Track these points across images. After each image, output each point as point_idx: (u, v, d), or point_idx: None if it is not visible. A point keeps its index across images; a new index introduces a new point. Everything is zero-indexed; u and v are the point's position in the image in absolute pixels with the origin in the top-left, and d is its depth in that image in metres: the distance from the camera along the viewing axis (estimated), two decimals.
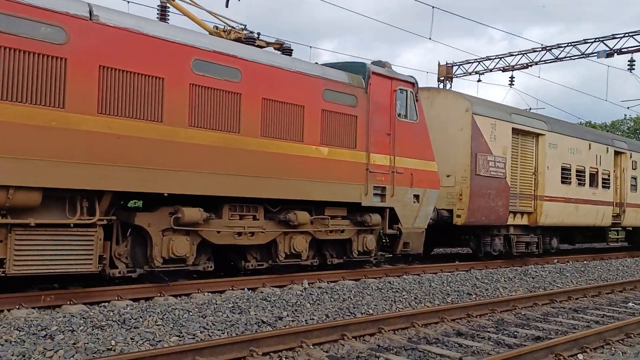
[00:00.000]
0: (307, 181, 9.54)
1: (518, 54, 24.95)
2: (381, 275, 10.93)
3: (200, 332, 6.03)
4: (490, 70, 26.06)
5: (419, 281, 10.29)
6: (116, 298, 7.54)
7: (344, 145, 10.11)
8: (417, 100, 11.46)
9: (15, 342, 5.39)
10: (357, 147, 10.29)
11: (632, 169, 19.39)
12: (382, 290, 9.19)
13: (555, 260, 15.58)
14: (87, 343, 5.33)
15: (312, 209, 9.99)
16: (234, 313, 7.06)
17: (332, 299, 8.31)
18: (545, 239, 15.87)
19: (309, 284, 9.56)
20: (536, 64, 24.71)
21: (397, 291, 9.23)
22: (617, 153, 18.69)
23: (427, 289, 9.63)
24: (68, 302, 7.12)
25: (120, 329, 6.07)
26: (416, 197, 11.41)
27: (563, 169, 15.97)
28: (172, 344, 5.57)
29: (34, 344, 5.31)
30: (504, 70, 25.86)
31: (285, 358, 5.51)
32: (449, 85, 27.55)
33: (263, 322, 6.65)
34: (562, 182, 15.85)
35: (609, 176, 17.83)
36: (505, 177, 13.91)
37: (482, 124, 13.42)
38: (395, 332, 6.72)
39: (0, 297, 6.83)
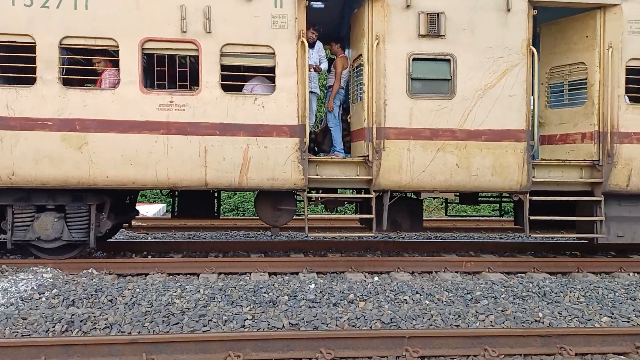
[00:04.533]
0: None
1: None
2: None
3: (636, 317, 5.42)
4: None
5: None
6: (532, 270, 7.53)
7: None
8: None
9: (446, 302, 5.97)
10: None
11: (418, 35, 7.15)
12: None
13: None
14: (515, 312, 5.45)
15: None
16: None
17: None
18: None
19: None
20: None
21: None
22: None
23: None
24: (487, 270, 7.49)
25: (542, 301, 6.01)
26: None
27: None
28: (604, 325, 5.19)
29: (466, 306, 5.75)
30: None
31: None
32: None
33: None
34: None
35: (273, 57, 6.98)
36: None
37: None
38: None
39: (432, 260, 7.71)
